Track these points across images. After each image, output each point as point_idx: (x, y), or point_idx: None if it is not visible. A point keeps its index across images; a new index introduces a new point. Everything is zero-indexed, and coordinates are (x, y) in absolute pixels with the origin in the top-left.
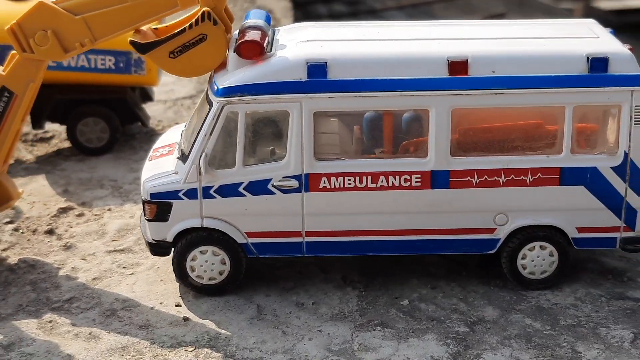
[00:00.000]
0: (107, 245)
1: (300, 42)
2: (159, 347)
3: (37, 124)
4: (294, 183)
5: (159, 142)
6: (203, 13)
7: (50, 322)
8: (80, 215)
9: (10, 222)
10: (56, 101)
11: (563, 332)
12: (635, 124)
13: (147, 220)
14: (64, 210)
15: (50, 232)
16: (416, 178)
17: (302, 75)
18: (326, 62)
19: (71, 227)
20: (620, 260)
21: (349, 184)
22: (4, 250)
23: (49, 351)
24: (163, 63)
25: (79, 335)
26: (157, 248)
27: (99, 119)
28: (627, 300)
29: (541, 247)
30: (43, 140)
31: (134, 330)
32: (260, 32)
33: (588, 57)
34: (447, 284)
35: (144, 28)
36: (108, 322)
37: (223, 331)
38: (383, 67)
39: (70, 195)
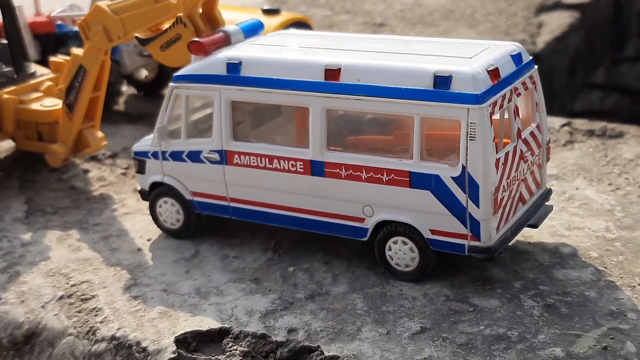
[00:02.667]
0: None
1: (244, 45)
2: (113, 264)
3: None
4: (217, 156)
5: None
6: (176, 18)
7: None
8: None
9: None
10: None
11: (371, 312)
12: (470, 139)
13: (136, 172)
14: None
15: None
16: (300, 165)
17: (222, 71)
18: (241, 62)
19: None
20: (508, 272)
21: (254, 162)
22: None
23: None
24: (157, 54)
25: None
26: (143, 194)
27: None
28: (464, 303)
29: (403, 242)
30: None
31: (104, 248)
32: (217, 35)
33: (434, 74)
34: (342, 263)
35: None
36: (99, 241)
37: (156, 261)
38: (278, 69)
39: None
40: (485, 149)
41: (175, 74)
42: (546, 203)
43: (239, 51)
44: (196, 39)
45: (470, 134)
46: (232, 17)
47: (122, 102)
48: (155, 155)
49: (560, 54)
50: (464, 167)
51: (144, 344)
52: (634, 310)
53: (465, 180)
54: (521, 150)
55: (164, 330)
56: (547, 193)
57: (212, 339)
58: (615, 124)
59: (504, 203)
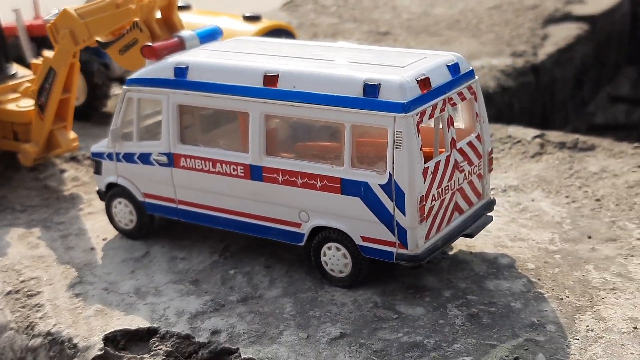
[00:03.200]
0: None
1: (197, 50)
2: (64, 262)
3: None
4: (165, 159)
5: None
6: (133, 22)
7: None
8: None
9: None
10: None
11: (297, 316)
12: (396, 148)
13: (93, 172)
14: None
15: None
16: (241, 169)
17: (170, 75)
18: (187, 66)
19: None
20: (441, 281)
21: (199, 165)
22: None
23: None
24: (117, 58)
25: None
26: (100, 195)
27: None
28: (390, 310)
29: (337, 248)
30: None
31: (60, 246)
32: (171, 40)
33: (364, 83)
34: (282, 268)
35: None
36: (57, 239)
37: (105, 261)
38: (221, 74)
39: None
40: (410, 157)
41: (128, 78)
42: (489, 214)
43: (188, 56)
44: (149, 44)
45: (397, 143)
46: (210, 22)
47: (110, 104)
48: (110, 156)
49: (564, 65)
50: (390, 175)
51: (75, 340)
52: (555, 322)
53: (392, 188)
54: (456, 160)
55: (96, 327)
56: (490, 204)
57: (141, 338)
58: (588, 137)
59: (434, 212)
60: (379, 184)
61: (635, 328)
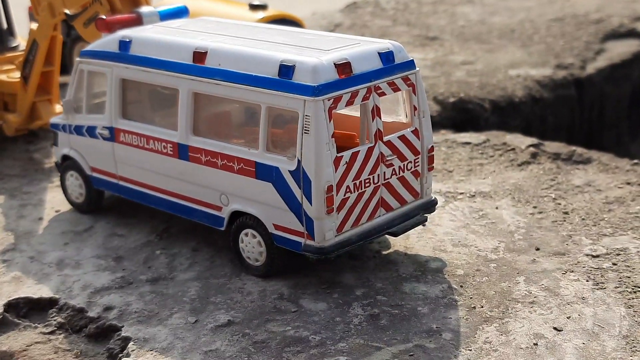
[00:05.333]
0: None
1: (150, 26)
2: (9, 229)
3: None
4: (107, 133)
5: None
6: None
7: None
8: None
9: None
10: None
11: (196, 301)
12: (305, 133)
13: (52, 144)
14: None
15: None
16: (170, 147)
17: (115, 48)
18: (131, 40)
19: None
20: (360, 279)
21: (135, 141)
22: None
23: None
24: (81, 31)
25: None
26: (57, 167)
27: None
28: (293, 304)
29: (252, 235)
30: None
31: (14, 214)
32: (127, 15)
33: (280, 63)
34: (209, 252)
35: None
36: (15, 208)
37: (46, 231)
38: (157, 49)
39: None
40: (318, 144)
41: (81, 50)
42: (425, 214)
43: (136, 31)
44: (102, 17)
45: (305, 127)
46: (217, 9)
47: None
48: (64, 128)
49: (617, 82)
50: (299, 162)
51: None
52: (454, 331)
53: (301, 176)
54: (381, 153)
55: (5, 293)
56: (429, 204)
57: (43, 307)
58: (587, 150)
59: (349, 205)
60: (289, 170)
61: (535, 344)
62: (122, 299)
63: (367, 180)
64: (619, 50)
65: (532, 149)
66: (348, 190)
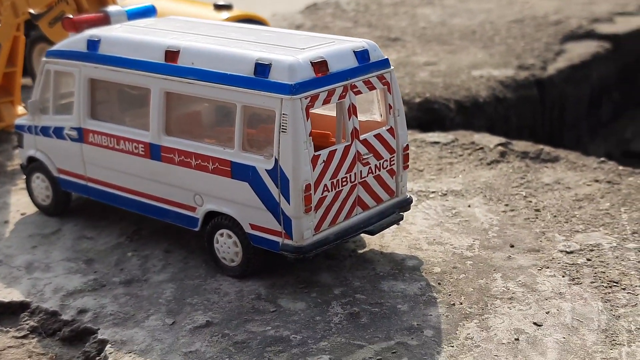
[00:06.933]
0: None
1: (118, 26)
2: None
3: None
4: (75, 134)
5: None
6: None
7: None
8: None
9: None
10: None
11: (172, 302)
12: (282, 132)
13: (17, 145)
14: None
15: None
16: (141, 147)
17: (83, 48)
18: (100, 39)
19: None
20: (337, 278)
21: (105, 142)
22: None
23: None
24: (47, 30)
25: None
26: (22, 169)
27: None
28: (271, 304)
29: (228, 236)
30: None
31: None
32: (94, 15)
33: (255, 62)
34: (181, 254)
35: None
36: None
37: (13, 234)
38: (127, 48)
39: None
40: (296, 142)
41: (48, 50)
42: (402, 213)
43: (104, 30)
44: (69, 16)
45: (282, 126)
46: (181, 9)
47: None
48: (30, 129)
49: (578, 83)
50: (276, 161)
51: None
52: (435, 327)
53: (278, 174)
54: (358, 152)
55: None
56: (405, 202)
57: (14, 311)
58: (554, 149)
59: (326, 204)
60: (266, 169)
61: (517, 340)
62: (96, 301)
63: (344, 179)
64: (579, 51)
65: (500, 147)
66: (325, 189)
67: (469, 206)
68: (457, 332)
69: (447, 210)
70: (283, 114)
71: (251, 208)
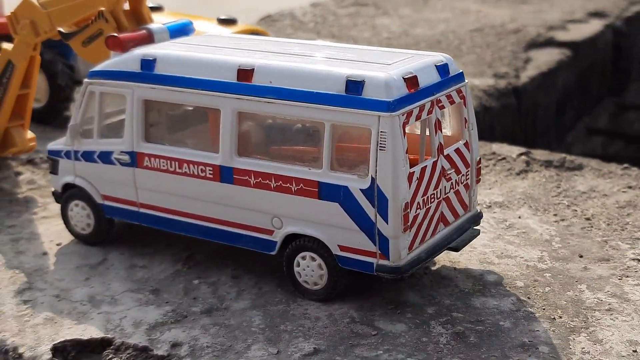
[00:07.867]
0: None
1: (166, 44)
2: (13, 266)
3: None
4: (127, 158)
5: None
6: (98, 12)
7: None
8: None
9: None
10: None
11: (267, 330)
12: (380, 149)
13: (50, 172)
14: None
15: None
16: (209, 170)
17: (136, 67)
18: (155, 59)
19: None
20: (424, 297)
21: (164, 166)
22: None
23: None
24: (79, 50)
25: None
26: (56, 197)
27: None
28: (369, 326)
29: (312, 258)
30: None
31: (10, 250)
32: (138, 32)
33: (346, 79)
34: (251, 279)
35: None
36: (7, 243)
37: (58, 267)
38: (191, 67)
39: None
40: (395, 160)
41: (90, 70)
42: (475, 227)
43: (156, 48)
44: (114, 34)
45: (381, 144)
46: None
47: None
48: (68, 155)
49: (547, 90)
50: (373, 179)
51: (20, 350)
52: (547, 343)
53: (375, 194)
54: (443, 167)
55: (45, 337)
56: (477, 216)
57: (93, 349)
58: (575, 157)
59: (418, 222)
60: (360, 189)
61: (635, 351)
62: (186, 333)
63: (432, 196)
64: (544, 59)
65: (523, 157)
66: (418, 206)
67: (520, 217)
68: (570, 347)
69: (500, 222)
70: (381, 131)
71: (341, 229)
